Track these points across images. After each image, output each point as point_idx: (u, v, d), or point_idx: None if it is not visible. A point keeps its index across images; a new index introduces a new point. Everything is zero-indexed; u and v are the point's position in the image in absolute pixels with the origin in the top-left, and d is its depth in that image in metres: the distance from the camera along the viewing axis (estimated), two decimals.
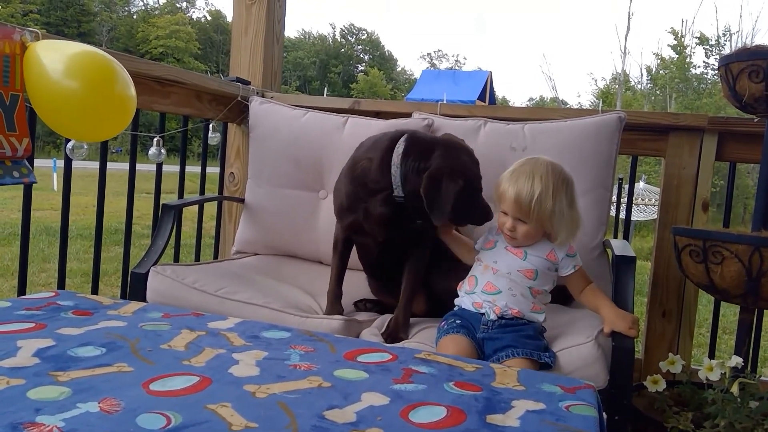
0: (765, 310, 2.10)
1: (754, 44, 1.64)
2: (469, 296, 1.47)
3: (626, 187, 5.49)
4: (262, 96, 2.44)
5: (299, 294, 1.75)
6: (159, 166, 2.16)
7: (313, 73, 44.14)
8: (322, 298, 1.71)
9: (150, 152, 2.09)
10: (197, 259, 2.44)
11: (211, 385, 0.89)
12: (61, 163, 1.98)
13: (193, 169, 2.60)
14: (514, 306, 1.41)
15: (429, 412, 0.85)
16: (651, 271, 2.10)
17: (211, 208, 2.64)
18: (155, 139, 2.09)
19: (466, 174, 1.51)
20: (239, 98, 2.37)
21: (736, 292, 1.49)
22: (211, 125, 2.37)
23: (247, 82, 2.47)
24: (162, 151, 2.10)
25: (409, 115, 2.22)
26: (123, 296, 2.07)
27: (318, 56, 45.58)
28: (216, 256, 2.55)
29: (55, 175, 9.65)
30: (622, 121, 1.96)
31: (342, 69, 45.52)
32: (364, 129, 2.13)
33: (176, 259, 2.33)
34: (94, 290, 2.01)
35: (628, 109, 2.33)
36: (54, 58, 1.37)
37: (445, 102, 2.45)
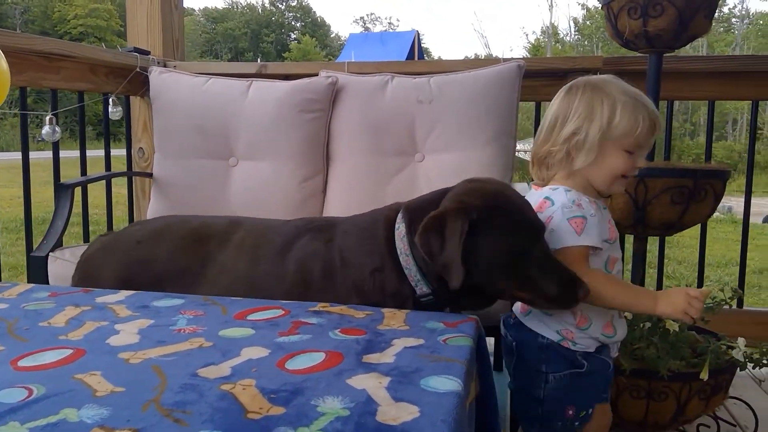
0: (668, 242, 2.21)
1: None
2: (607, 327, 1.16)
3: None
4: (164, 66, 2.35)
5: None
6: (56, 145, 2.07)
7: (245, 45, 42.80)
8: None
9: (43, 131, 1.99)
10: None
11: (83, 356, 0.87)
12: None
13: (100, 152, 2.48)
14: None
15: (307, 359, 0.87)
16: None
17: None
18: (47, 117, 1.99)
19: (489, 205, 1.09)
20: (138, 69, 2.27)
21: (626, 222, 1.56)
22: (111, 100, 2.27)
23: (146, 52, 2.37)
24: (56, 129, 2.00)
25: (316, 75, 2.19)
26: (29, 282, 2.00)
27: (249, 26, 44.17)
28: None
29: None
30: (522, 68, 2.00)
31: (275, 38, 44.33)
32: (269, 92, 2.10)
33: (86, 240, 2.25)
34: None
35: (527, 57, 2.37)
36: None
37: (353, 60, 2.43)
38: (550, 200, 1.13)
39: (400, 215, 1.20)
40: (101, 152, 2.36)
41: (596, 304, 1.09)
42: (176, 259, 1.36)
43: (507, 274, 1.08)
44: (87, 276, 1.42)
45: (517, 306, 1.22)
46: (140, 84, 2.33)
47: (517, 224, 1.09)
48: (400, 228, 1.18)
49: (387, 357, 0.87)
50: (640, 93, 1.14)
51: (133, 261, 1.38)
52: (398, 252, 1.16)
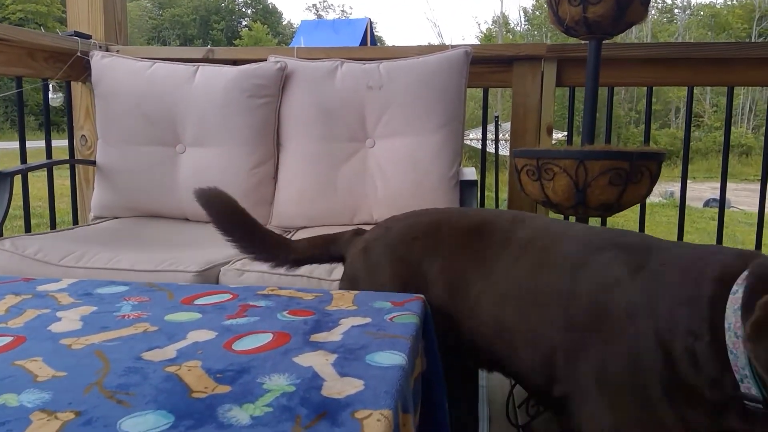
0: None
1: None
2: None
3: (502, 125, 5.73)
4: (107, 50, 2.29)
5: (158, 250, 1.70)
6: None
7: (194, 31, 41.68)
8: (183, 250, 1.67)
9: None
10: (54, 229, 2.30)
11: (24, 343, 0.85)
12: None
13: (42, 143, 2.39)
14: None
15: (254, 340, 0.87)
16: (507, 197, 2.23)
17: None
18: None
19: None
20: (79, 54, 2.20)
21: (567, 204, 1.62)
22: (51, 85, 2.19)
23: (87, 36, 2.30)
24: None
25: (265, 60, 2.18)
26: None
27: (197, 12, 43.00)
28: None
29: None
30: (469, 55, 2.03)
31: (225, 25, 43.32)
32: (217, 77, 2.07)
33: (27, 230, 2.18)
34: None
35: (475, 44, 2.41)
36: None
37: (302, 46, 2.41)
38: None
39: (743, 275, 0.81)
40: (43, 143, 2.28)
41: None
42: (455, 259, 1.15)
43: None
44: (370, 264, 1.24)
45: None
46: (82, 69, 2.26)
47: None
48: (738, 293, 0.79)
49: (334, 335, 0.89)
50: None
51: (411, 260, 1.20)
52: (726, 325, 0.79)
